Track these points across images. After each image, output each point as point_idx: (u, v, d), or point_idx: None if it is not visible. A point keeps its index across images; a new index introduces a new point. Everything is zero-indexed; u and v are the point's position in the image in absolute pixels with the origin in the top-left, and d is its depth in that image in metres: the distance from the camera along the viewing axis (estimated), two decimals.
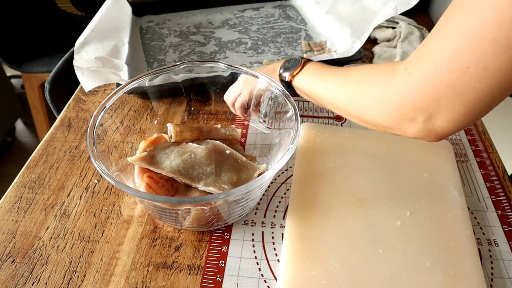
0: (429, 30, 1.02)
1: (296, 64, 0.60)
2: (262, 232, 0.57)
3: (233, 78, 0.66)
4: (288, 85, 0.60)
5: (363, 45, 0.83)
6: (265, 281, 0.52)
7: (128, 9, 1.00)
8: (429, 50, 0.41)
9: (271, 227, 0.58)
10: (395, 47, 0.94)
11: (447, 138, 0.72)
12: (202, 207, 0.51)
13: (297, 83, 0.59)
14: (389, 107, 0.45)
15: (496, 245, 0.56)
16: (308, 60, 0.60)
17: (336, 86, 0.53)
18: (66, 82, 0.95)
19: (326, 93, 0.54)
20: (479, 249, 0.55)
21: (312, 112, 0.78)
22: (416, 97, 0.42)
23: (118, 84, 0.75)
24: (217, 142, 0.61)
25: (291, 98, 0.59)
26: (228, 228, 0.57)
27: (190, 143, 0.61)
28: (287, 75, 0.60)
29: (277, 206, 0.61)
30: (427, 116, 0.42)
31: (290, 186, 0.62)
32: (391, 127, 0.47)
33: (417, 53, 0.43)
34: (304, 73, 0.59)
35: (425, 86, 0.41)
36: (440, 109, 0.41)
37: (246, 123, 0.73)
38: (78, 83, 0.78)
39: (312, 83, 0.57)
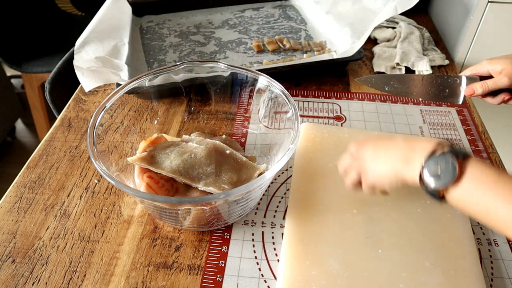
0: (429, 30, 1.02)
1: (451, 169, 0.42)
2: (262, 232, 0.57)
3: (233, 78, 0.66)
4: (437, 196, 0.43)
5: (363, 45, 0.83)
6: (265, 281, 0.52)
7: (128, 9, 1.00)
8: None
9: (271, 227, 0.58)
10: (395, 47, 0.94)
11: (445, 137, 0.72)
12: (202, 207, 0.51)
13: (456, 197, 0.42)
14: None
15: (496, 245, 0.56)
16: (466, 157, 0.42)
17: None
18: (66, 82, 0.95)
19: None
20: (479, 249, 0.55)
21: (312, 112, 0.78)
22: None
23: (118, 84, 0.75)
24: (217, 142, 0.61)
25: (291, 98, 0.59)
26: (228, 228, 0.58)
27: (190, 143, 0.61)
28: (438, 186, 0.42)
29: (277, 206, 0.61)
30: None
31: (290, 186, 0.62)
32: None
33: None
34: (466, 186, 0.41)
35: None
36: None
37: (246, 123, 0.73)
38: (78, 83, 0.78)
39: (476, 201, 0.41)
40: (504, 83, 0.61)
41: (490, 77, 0.63)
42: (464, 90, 0.63)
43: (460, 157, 0.42)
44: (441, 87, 0.64)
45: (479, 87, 0.63)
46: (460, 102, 0.64)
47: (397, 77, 0.68)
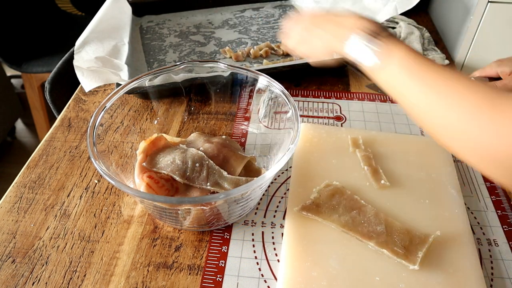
0: (429, 30, 1.02)
1: (375, 49, 0.44)
2: (262, 232, 0.57)
3: (233, 78, 0.66)
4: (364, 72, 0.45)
5: None
6: (265, 281, 0.52)
7: (128, 9, 1.00)
8: None
9: (271, 227, 0.58)
10: None
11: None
12: (202, 207, 0.51)
13: (381, 77, 0.45)
14: (501, 158, 0.36)
15: (496, 245, 0.56)
16: (392, 38, 0.44)
17: (443, 107, 0.39)
18: (66, 82, 0.95)
19: (424, 104, 0.41)
20: (479, 249, 0.55)
21: (312, 112, 0.78)
22: None
23: (118, 84, 0.75)
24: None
25: (291, 98, 0.59)
26: (228, 228, 0.58)
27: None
28: (366, 64, 0.44)
29: (277, 206, 0.61)
30: None
31: None
32: (494, 175, 0.38)
33: None
34: (396, 62, 0.43)
35: None
36: None
37: (246, 123, 0.73)
38: (78, 83, 0.78)
39: (403, 82, 0.43)
40: None
41: (499, 78, 0.63)
42: None
43: (385, 36, 0.44)
44: None
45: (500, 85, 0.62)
46: None
47: None
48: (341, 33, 0.48)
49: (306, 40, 0.54)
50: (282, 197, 0.62)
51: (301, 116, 0.77)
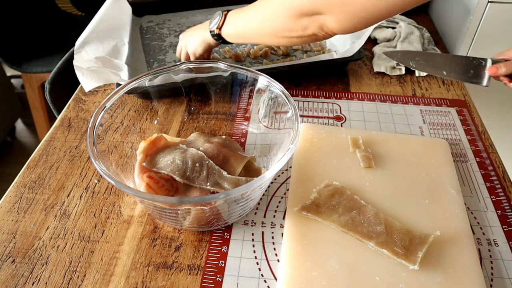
0: (429, 30, 1.02)
1: (218, 17, 0.71)
2: (262, 232, 0.57)
3: (233, 78, 0.66)
4: (219, 38, 0.72)
5: (363, 45, 0.83)
6: (265, 281, 0.52)
7: (128, 9, 1.00)
8: None
9: (271, 227, 0.58)
10: (395, 47, 0.94)
11: (445, 138, 0.72)
12: (202, 207, 0.51)
13: (225, 32, 0.71)
14: (291, 8, 0.58)
15: (496, 245, 0.56)
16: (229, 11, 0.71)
17: (253, 15, 0.65)
18: (66, 82, 0.95)
19: (248, 26, 0.66)
20: (479, 249, 0.55)
21: (312, 112, 0.78)
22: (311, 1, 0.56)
23: (118, 84, 0.75)
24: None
25: (291, 98, 0.59)
26: (228, 228, 0.58)
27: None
28: (214, 29, 0.71)
29: (277, 206, 0.61)
30: (320, 15, 0.57)
31: None
32: (294, 29, 0.60)
33: None
34: (227, 22, 0.70)
35: None
36: (329, 12, 0.56)
37: (246, 123, 0.73)
38: (78, 83, 0.78)
39: (236, 25, 0.68)
40: None
41: None
42: (488, 74, 0.63)
43: (226, 12, 0.71)
44: (466, 67, 0.63)
45: (503, 66, 0.62)
46: (485, 84, 0.63)
47: (422, 54, 0.69)
48: (202, 27, 0.77)
49: (187, 45, 0.81)
50: (282, 197, 0.62)
51: (301, 116, 0.77)
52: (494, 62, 0.62)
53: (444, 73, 0.64)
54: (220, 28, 0.71)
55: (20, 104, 1.88)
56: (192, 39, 0.79)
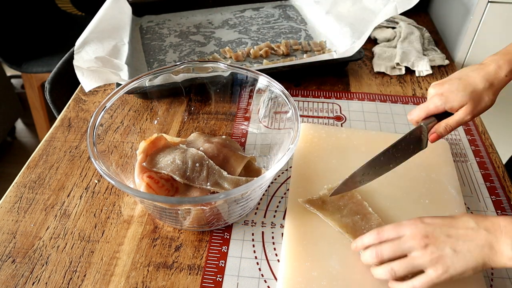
0: (429, 30, 1.02)
1: None
2: (262, 232, 0.57)
3: (233, 78, 0.66)
4: None
5: (363, 45, 0.83)
6: (265, 281, 0.52)
7: (128, 9, 1.00)
8: None
9: (271, 227, 0.58)
10: (395, 47, 0.94)
11: (445, 138, 0.72)
12: (202, 207, 0.51)
13: None
14: None
15: None
16: None
17: None
18: (66, 82, 0.95)
19: None
20: None
21: (312, 112, 0.78)
22: None
23: (118, 84, 0.75)
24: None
25: (291, 98, 0.59)
26: (228, 228, 0.58)
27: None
28: None
29: (277, 206, 0.61)
30: None
31: None
32: None
33: None
34: None
35: None
36: None
37: (246, 123, 0.73)
38: (78, 83, 0.78)
39: None
40: (467, 119, 0.55)
41: (447, 114, 0.57)
42: (427, 137, 0.57)
43: None
44: (405, 147, 0.57)
45: (443, 131, 0.57)
46: (426, 147, 0.58)
47: (367, 167, 0.56)
48: (494, 242, 0.43)
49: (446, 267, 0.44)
50: (282, 197, 0.62)
51: (301, 116, 0.77)
52: (426, 125, 0.57)
53: (391, 165, 0.58)
54: None
55: (20, 104, 1.88)
56: (461, 260, 0.43)
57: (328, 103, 0.80)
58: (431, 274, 0.44)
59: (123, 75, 0.76)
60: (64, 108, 0.80)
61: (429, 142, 0.58)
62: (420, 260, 0.44)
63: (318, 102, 0.80)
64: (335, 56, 0.87)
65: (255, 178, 0.51)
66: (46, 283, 0.52)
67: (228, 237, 0.56)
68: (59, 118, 0.78)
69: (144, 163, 0.58)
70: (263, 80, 0.63)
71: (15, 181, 0.65)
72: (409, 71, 0.89)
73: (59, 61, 0.98)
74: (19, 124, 2.01)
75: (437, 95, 0.56)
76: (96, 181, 0.65)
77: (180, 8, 1.13)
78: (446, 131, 0.57)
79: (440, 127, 0.57)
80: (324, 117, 0.76)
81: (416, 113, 0.58)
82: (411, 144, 0.57)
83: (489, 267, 0.43)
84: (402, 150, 0.56)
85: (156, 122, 0.70)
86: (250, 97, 0.69)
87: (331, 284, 0.49)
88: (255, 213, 0.60)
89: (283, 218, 0.59)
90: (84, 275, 0.52)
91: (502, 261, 0.42)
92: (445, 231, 0.45)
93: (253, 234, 0.57)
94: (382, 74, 0.89)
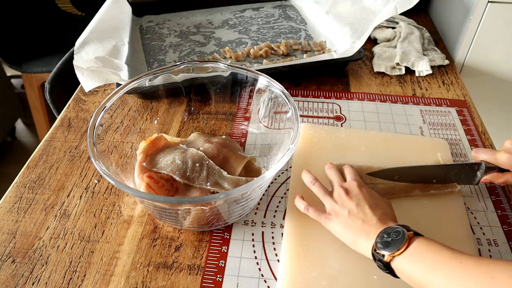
0: (429, 30, 1.02)
1: (400, 240, 0.45)
2: (262, 232, 0.57)
3: (233, 78, 0.66)
4: (386, 266, 0.45)
5: (363, 45, 0.83)
6: (265, 281, 0.52)
7: (128, 9, 1.00)
8: None
9: (271, 227, 0.58)
10: (395, 47, 0.94)
11: (445, 138, 0.72)
12: (202, 207, 0.51)
13: (398, 265, 0.44)
14: None
15: (496, 245, 0.56)
16: (416, 235, 0.46)
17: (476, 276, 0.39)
18: (66, 82, 0.95)
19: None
20: (479, 249, 0.55)
21: (312, 112, 0.78)
22: None
23: (118, 84, 0.75)
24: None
25: (291, 98, 0.59)
26: (228, 228, 0.58)
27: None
28: (385, 254, 0.45)
29: (277, 206, 0.61)
30: None
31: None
32: None
33: None
34: (409, 255, 0.44)
35: None
36: None
37: (246, 123, 0.73)
38: (78, 83, 0.78)
39: (418, 271, 0.43)
40: None
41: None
42: (481, 177, 0.58)
43: (411, 235, 0.45)
44: (457, 172, 0.59)
45: (498, 184, 0.59)
46: (476, 185, 0.60)
47: (409, 168, 0.60)
48: (368, 229, 0.49)
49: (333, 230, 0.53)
50: (282, 197, 0.62)
51: (301, 116, 0.77)
52: (488, 168, 0.58)
53: (434, 181, 0.59)
54: (394, 256, 0.44)
55: (20, 104, 1.88)
56: (343, 231, 0.51)
57: (328, 103, 0.80)
58: (321, 216, 0.53)
59: (123, 75, 0.76)
60: (64, 108, 0.80)
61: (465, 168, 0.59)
62: (328, 202, 0.53)
63: (318, 102, 0.80)
64: (335, 56, 0.87)
65: (255, 178, 0.51)
66: (46, 283, 0.52)
67: (228, 237, 0.56)
68: (59, 118, 0.78)
69: (144, 163, 0.58)
70: (263, 80, 0.63)
71: (15, 181, 0.65)
72: (409, 71, 0.89)
73: (59, 61, 0.98)
74: (19, 124, 2.01)
75: (508, 148, 0.57)
76: (96, 181, 0.65)
77: (180, 8, 1.13)
78: (500, 184, 0.59)
79: (498, 179, 0.58)
80: (324, 117, 0.76)
81: (483, 157, 0.59)
82: (463, 173, 0.59)
83: (355, 248, 0.50)
84: (452, 174, 0.59)
85: (156, 122, 0.70)
86: (250, 97, 0.69)
87: (331, 284, 0.49)
88: (255, 213, 0.60)
89: (283, 218, 0.59)
90: (84, 275, 0.52)
91: (359, 249, 0.49)
92: (362, 203, 0.51)
93: (253, 234, 0.57)
94: (382, 74, 0.89)
